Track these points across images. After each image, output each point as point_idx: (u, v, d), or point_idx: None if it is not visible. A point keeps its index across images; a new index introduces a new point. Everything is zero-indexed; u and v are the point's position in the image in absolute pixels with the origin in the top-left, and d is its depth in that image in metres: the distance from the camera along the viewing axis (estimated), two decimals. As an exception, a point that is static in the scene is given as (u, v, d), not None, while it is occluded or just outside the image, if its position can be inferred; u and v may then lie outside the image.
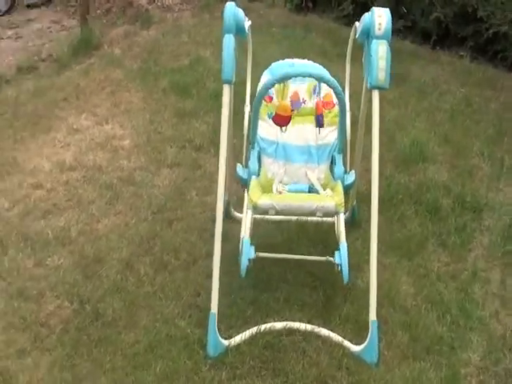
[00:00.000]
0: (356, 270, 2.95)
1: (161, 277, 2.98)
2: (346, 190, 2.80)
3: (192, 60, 5.30)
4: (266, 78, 2.88)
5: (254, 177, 2.77)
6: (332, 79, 2.52)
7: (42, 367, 2.56)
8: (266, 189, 2.81)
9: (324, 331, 2.61)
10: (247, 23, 2.58)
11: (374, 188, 2.43)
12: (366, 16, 2.45)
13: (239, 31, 2.52)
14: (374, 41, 2.38)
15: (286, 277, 2.94)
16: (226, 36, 2.46)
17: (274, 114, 2.83)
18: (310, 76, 2.50)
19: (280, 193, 2.75)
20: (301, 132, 2.85)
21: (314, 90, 2.88)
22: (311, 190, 2.80)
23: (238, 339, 2.58)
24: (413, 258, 3.09)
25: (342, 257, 2.55)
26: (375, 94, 2.44)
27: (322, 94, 2.88)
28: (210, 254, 3.07)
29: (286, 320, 2.69)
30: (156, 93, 4.78)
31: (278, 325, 2.64)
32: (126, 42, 5.77)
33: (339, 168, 2.74)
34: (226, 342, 2.55)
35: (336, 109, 2.80)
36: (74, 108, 4.57)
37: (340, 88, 2.57)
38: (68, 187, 3.67)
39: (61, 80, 5.02)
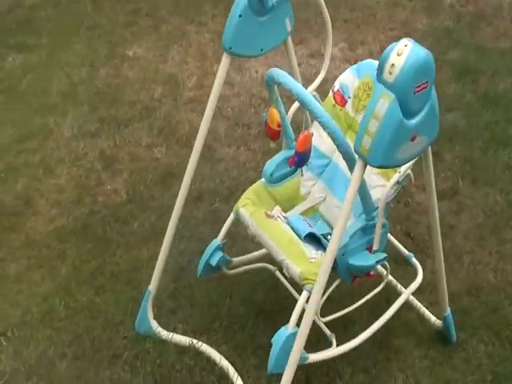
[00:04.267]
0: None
1: (204, 228, 2.58)
2: (352, 272, 1.77)
3: None
4: (347, 75, 1.96)
5: (263, 180, 2.00)
6: (321, 113, 1.53)
7: (52, 224, 2.58)
8: (287, 202, 2.00)
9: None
10: None
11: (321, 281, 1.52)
12: (389, 48, 1.38)
13: None
14: (378, 86, 1.36)
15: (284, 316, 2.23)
16: None
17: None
18: (298, 97, 1.55)
19: (271, 217, 1.91)
20: None
21: None
22: (314, 236, 1.88)
23: (165, 335, 2.11)
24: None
25: (275, 343, 1.72)
26: (357, 165, 1.44)
27: None
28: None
29: (230, 357, 2.04)
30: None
31: (213, 354, 2.04)
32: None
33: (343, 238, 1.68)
34: (154, 327, 2.11)
35: None
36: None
37: (335, 128, 1.53)
38: (253, 103, 3.34)
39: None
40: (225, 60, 1.82)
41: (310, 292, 1.68)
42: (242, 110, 3.29)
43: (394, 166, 1.44)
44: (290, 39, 1.96)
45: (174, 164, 2.90)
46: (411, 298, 2.22)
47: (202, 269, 2.03)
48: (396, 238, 2.56)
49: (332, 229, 1.92)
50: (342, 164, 1.91)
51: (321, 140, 2.01)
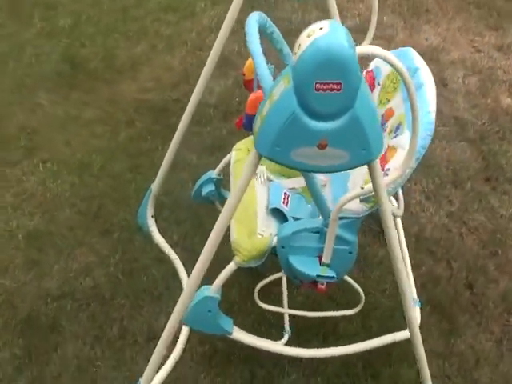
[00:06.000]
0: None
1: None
2: (293, 272, 1.46)
3: None
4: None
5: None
6: (262, 70, 1.15)
7: (141, 94, 2.63)
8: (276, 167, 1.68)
9: None
10: None
11: None
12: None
13: None
14: (283, 73, 1.03)
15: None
16: None
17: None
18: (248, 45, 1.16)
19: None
20: None
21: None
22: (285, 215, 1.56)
23: (154, 237, 2.06)
24: None
25: (195, 297, 1.49)
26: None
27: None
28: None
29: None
30: None
31: (183, 276, 1.95)
32: None
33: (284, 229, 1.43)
34: (150, 225, 2.07)
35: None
36: None
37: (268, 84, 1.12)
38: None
39: None
40: None
41: (236, 264, 1.48)
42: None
43: (292, 166, 1.10)
44: None
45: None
46: None
47: (194, 193, 1.88)
48: (452, 289, 2.06)
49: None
50: None
51: None
